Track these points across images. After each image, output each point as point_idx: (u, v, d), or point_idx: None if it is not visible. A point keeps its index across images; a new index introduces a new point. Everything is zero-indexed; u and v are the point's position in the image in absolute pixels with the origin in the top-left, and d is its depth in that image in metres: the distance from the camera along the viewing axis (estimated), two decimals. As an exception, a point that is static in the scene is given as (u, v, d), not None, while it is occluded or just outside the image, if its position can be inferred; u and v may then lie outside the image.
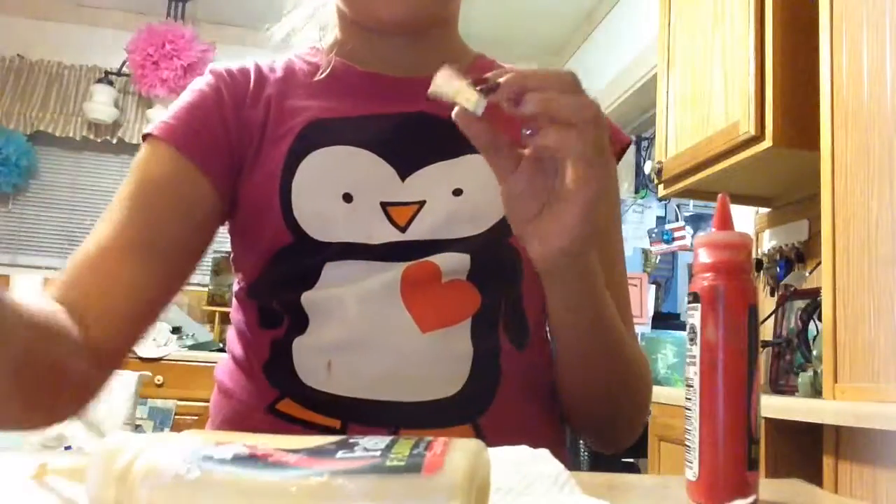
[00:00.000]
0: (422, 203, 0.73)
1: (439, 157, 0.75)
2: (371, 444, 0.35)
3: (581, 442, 2.70)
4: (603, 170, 0.53)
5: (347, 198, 0.72)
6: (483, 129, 0.54)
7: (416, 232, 0.72)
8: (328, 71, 0.80)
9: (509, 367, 0.72)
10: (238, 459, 0.34)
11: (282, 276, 0.72)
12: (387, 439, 0.36)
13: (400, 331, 0.69)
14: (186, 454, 0.35)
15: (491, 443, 0.39)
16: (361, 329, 0.69)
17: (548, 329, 0.77)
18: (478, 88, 0.53)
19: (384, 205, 0.72)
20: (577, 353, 0.69)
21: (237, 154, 0.75)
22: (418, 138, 0.76)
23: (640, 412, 0.78)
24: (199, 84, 0.79)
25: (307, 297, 0.70)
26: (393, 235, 0.71)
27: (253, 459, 0.35)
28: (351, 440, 0.36)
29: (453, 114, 0.54)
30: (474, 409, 0.70)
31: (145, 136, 0.75)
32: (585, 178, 0.53)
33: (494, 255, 0.73)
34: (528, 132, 0.53)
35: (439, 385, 0.69)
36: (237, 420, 0.73)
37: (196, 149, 0.73)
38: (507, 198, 0.58)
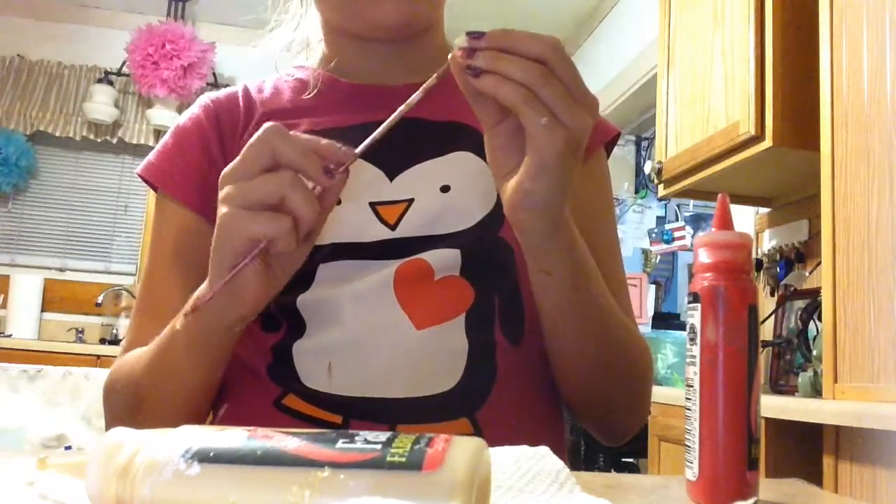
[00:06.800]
0: (410, 201, 0.73)
1: (427, 156, 0.76)
2: (372, 437, 0.35)
3: (581, 441, 2.71)
4: (552, 128, 0.53)
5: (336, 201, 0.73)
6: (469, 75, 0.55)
7: (406, 229, 0.72)
8: (317, 88, 0.81)
9: (505, 362, 0.72)
10: (238, 449, 0.35)
11: None
12: (388, 433, 0.36)
13: (395, 329, 0.70)
14: (187, 449, 0.35)
15: (489, 437, 0.39)
16: (357, 329, 0.70)
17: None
18: (466, 33, 0.55)
19: (373, 204, 0.73)
20: (562, 322, 0.68)
21: None
22: (405, 141, 0.76)
23: (637, 392, 0.77)
24: (188, 122, 0.81)
25: (303, 300, 0.71)
26: (383, 234, 0.72)
27: (252, 441, 0.35)
28: (351, 430, 0.36)
29: (449, 58, 0.55)
30: (471, 404, 0.70)
31: (146, 178, 0.80)
32: (534, 131, 0.54)
33: (485, 250, 0.73)
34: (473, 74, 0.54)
35: (436, 381, 0.69)
36: (242, 416, 0.73)
37: (198, 199, 0.77)
38: (489, 149, 0.60)
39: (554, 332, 0.70)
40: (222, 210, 0.55)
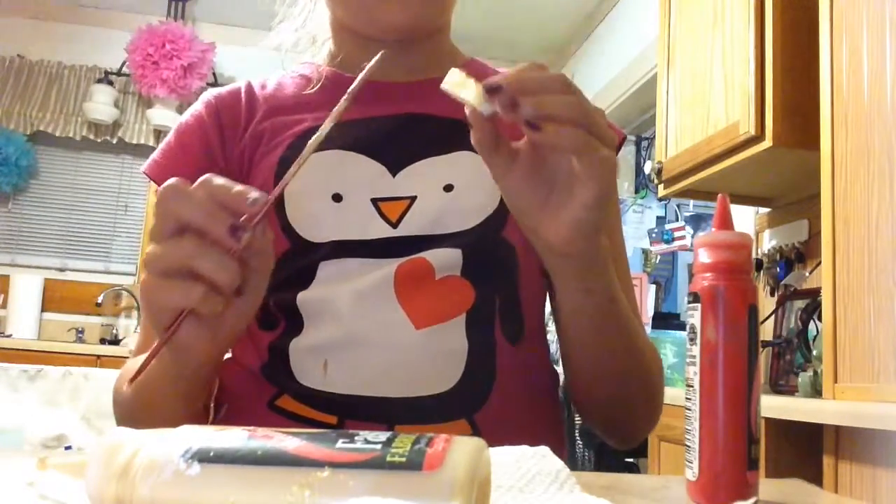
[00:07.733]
0: (413, 198, 0.73)
1: (430, 153, 0.76)
2: (372, 437, 0.35)
3: (581, 441, 2.71)
4: (608, 158, 0.54)
5: (337, 198, 0.73)
6: (490, 129, 0.55)
7: (408, 227, 0.72)
8: (320, 83, 0.81)
9: (505, 363, 0.72)
10: (238, 449, 0.35)
11: (279, 279, 0.72)
12: (387, 433, 0.36)
13: (394, 328, 0.69)
14: (187, 449, 0.35)
15: (487, 438, 0.40)
16: (356, 327, 0.70)
17: (553, 320, 0.76)
18: (484, 85, 0.54)
19: (375, 201, 0.73)
20: (592, 338, 0.68)
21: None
22: (409, 136, 0.76)
23: (654, 396, 0.77)
24: (190, 119, 0.81)
25: (302, 298, 0.71)
26: (385, 231, 0.72)
27: (252, 441, 0.35)
28: (351, 430, 0.36)
29: (467, 112, 0.55)
30: (470, 405, 0.70)
31: (150, 175, 0.79)
32: (591, 165, 0.53)
33: (487, 250, 0.73)
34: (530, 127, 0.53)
35: (434, 381, 0.69)
36: (236, 416, 0.73)
37: None
38: (508, 193, 0.59)
39: (582, 348, 0.69)
40: (143, 275, 0.52)
